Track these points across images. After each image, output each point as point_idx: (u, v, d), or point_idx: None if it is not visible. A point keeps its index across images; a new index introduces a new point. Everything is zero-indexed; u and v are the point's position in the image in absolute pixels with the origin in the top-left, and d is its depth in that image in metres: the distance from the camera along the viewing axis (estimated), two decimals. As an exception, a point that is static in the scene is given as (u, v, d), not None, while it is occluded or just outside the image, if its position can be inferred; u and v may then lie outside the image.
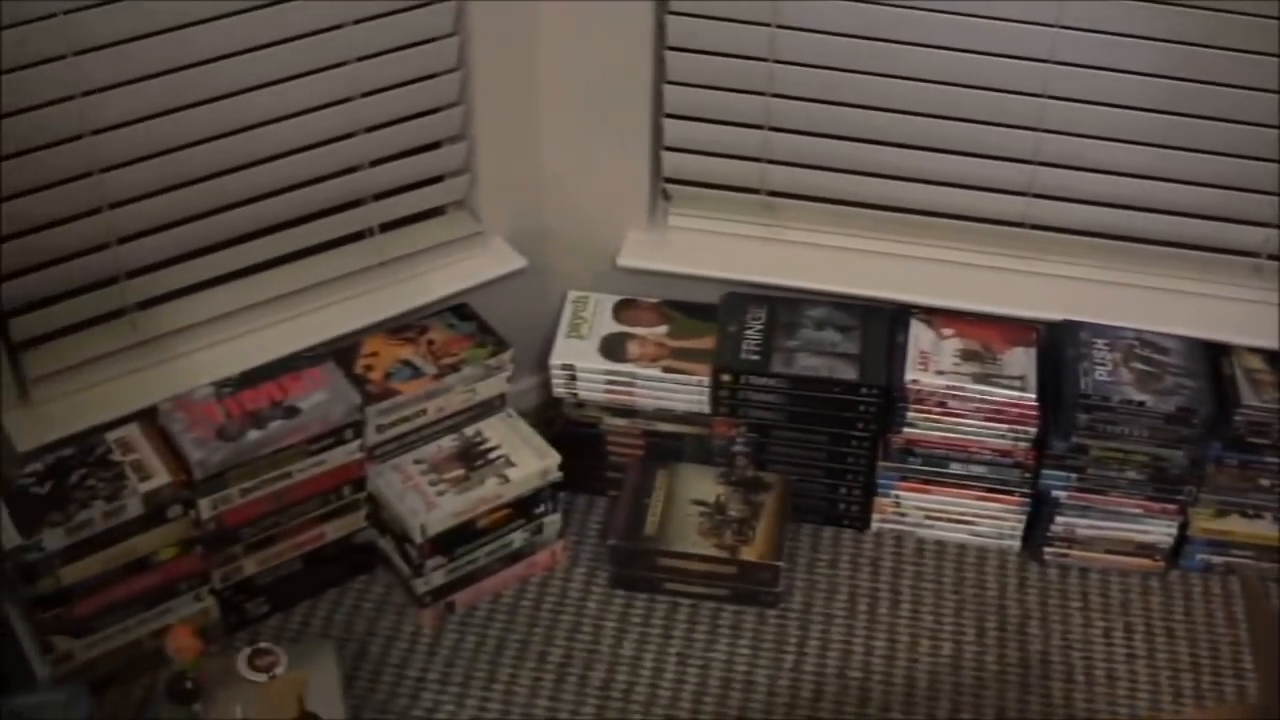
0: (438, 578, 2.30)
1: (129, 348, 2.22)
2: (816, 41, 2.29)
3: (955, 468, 2.42)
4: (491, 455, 2.34)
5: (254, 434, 2.15)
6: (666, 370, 2.42)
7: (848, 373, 2.37)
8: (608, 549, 2.39)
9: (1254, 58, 2.20)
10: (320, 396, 2.21)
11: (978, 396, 2.34)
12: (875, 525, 2.52)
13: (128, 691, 2.22)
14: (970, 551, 2.49)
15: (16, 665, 2.15)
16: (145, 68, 2.03)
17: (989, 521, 2.47)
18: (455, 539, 2.28)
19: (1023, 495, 2.43)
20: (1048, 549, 2.46)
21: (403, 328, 2.39)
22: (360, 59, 2.20)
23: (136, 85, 2.03)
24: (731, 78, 2.36)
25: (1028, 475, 2.41)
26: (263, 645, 2.13)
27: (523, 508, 2.34)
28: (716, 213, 2.52)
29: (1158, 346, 2.37)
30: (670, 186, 2.52)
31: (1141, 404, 2.29)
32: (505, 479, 2.30)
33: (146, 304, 2.24)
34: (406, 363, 2.33)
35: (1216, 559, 2.46)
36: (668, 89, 2.38)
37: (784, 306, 2.49)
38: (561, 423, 2.51)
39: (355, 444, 2.25)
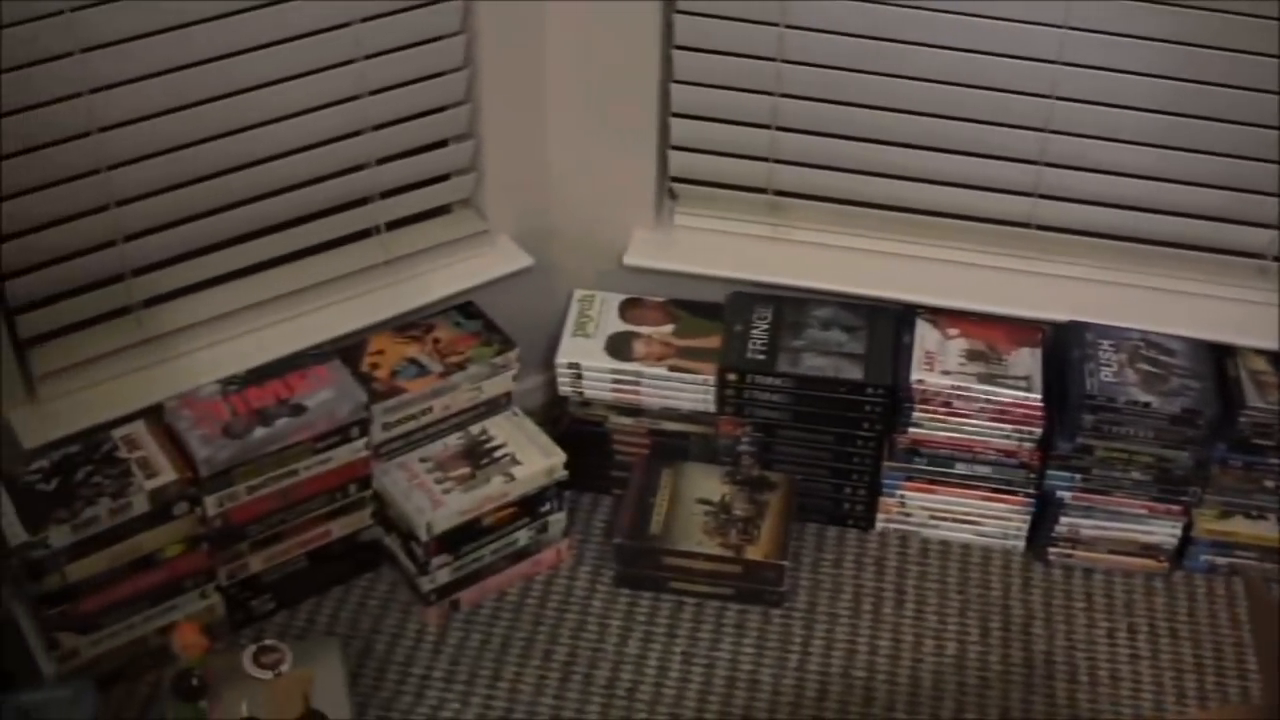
0: (443, 576, 2.31)
1: (135, 345, 2.22)
2: (824, 41, 2.29)
3: (960, 468, 2.43)
4: (497, 453, 2.34)
5: (260, 431, 2.15)
6: (672, 369, 2.42)
7: (853, 373, 2.37)
8: (613, 547, 2.39)
9: (1260, 59, 2.20)
10: (326, 394, 2.21)
11: (983, 397, 2.35)
12: (880, 525, 2.52)
13: (133, 688, 2.22)
14: (975, 551, 2.50)
15: (22, 662, 2.15)
16: (152, 65, 2.03)
17: (994, 521, 2.48)
18: (461, 537, 2.29)
19: (1027, 495, 2.44)
20: (1052, 549, 2.46)
21: (409, 326, 2.39)
22: (367, 57, 2.20)
23: (143, 83, 2.03)
24: (739, 77, 2.36)
25: (1032, 476, 2.42)
26: (268, 643, 2.14)
27: (528, 506, 2.34)
28: (723, 212, 2.52)
29: (1163, 348, 2.38)
30: (677, 185, 2.52)
31: (1147, 405, 2.29)
32: (511, 477, 2.30)
33: (153, 301, 2.24)
34: (412, 361, 2.33)
35: (1220, 560, 2.46)
36: (675, 88, 2.38)
37: (790, 306, 2.49)
38: (567, 421, 2.51)
39: (361, 442, 2.25)
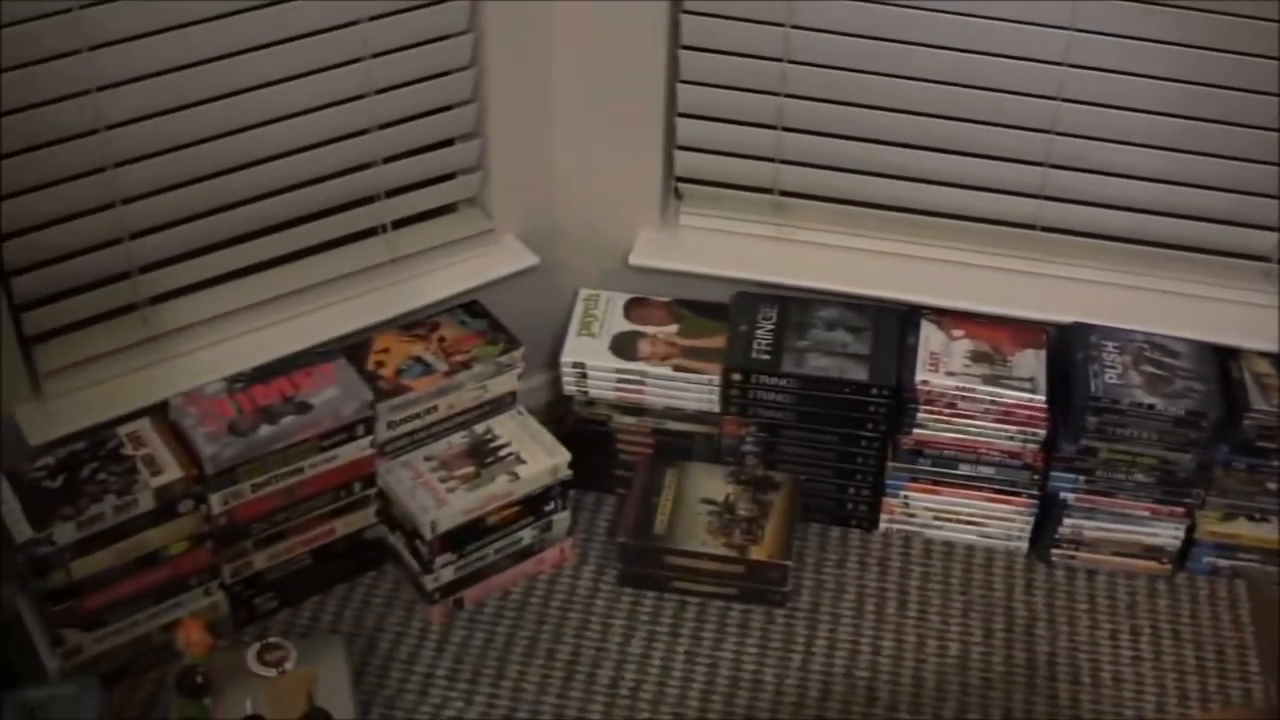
0: (447, 574, 2.31)
1: (141, 343, 2.22)
2: (831, 42, 2.29)
3: (964, 469, 2.43)
4: (502, 452, 2.34)
5: (265, 429, 2.15)
6: (677, 369, 2.43)
7: (858, 373, 2.37)
8: (617, 547, 2.40)
9: (1266, 63, 2.20)
10: (332, 392, 2.21)
11: (987, 398, 2.35)
12: (883, 525, 2.53)
13: (136, 685, 2.22)
14: (978, 552, 2.50)
15: (26, 658, 2.16)
16: (159, 63, 2.03)
17: (997, 523, 2.48)
18: (465, 536, 2.29)
19: (1031, 497, 2.44)
20: (1055, 551, 2.46)
21: (414, 324, 2.39)
22: (374, 56, 2.20)
23: (150, 80, 2.03)
24: (745, 77, 2.36)
25: (1036, 477, 2.42)
26: (272, 640, 2.14)
27: (532, 505, 2.35)
28: (728, 212, 2.53)
29: (1167, 350, 2.38)
30: (682, 185, 2.53)
31: (1151, 407, 2.29)
32: (515, 476, 2.30)
33: (158, 299, 2.24)
34: (418, 359, 2.33)
35: (1223, 562, 2.46)
36: (681, 88, 2.38)
37: (795, 306, 2.49)
38: (571, 420, 2.51)
39: (366, 440, 2.25)
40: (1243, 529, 2.42)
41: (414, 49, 2.24)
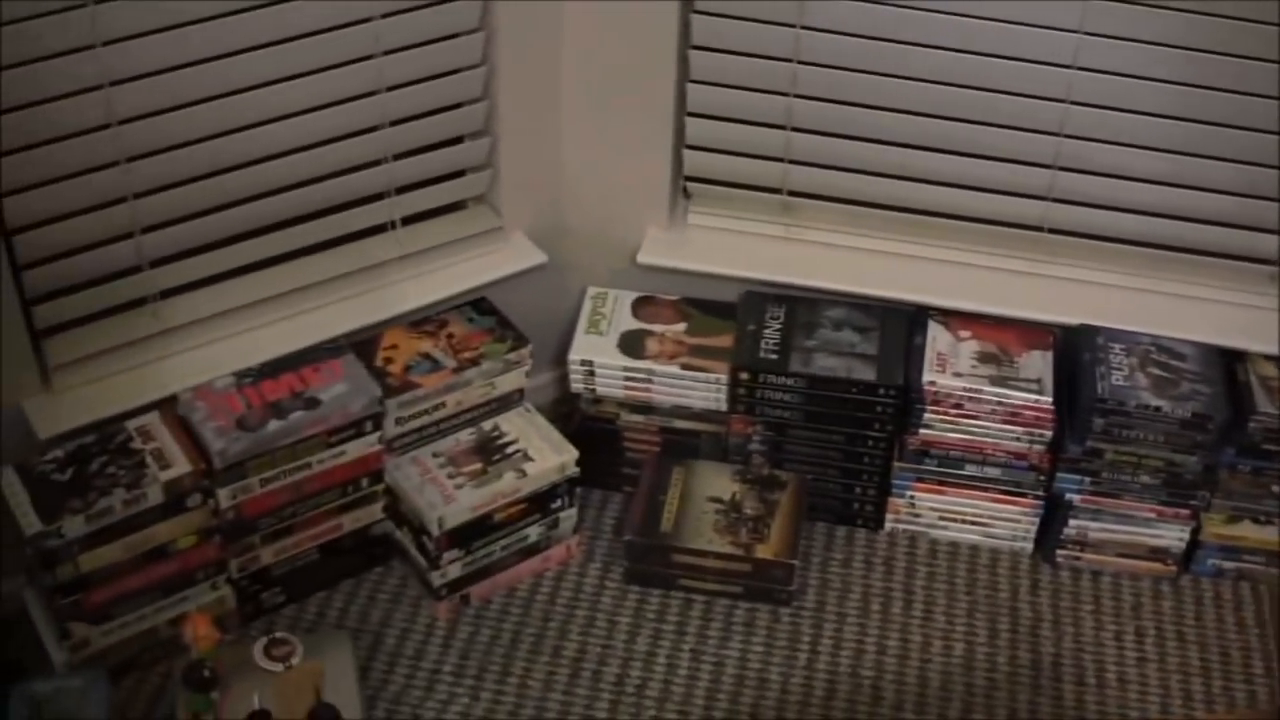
0: (454, 570, 2.31)
1: (150, 337, 2.23)
2: (841, 43, 2.30)
3: (970, 469, 2.43)
4: (509, 449, 2.35)
5: (274, 424, 2.15)
6: (684, 368, 2.43)
7: (865, 373, 2.38)
8: (623, 544, 2.40)
9: (1274, 67, 2.20)
10: (340, 388, 2.22)
11: (994, 399, 2.35)
12: (889, 525, 2.53)
13: (143, 679, 2.23)
14: (983, 553, 2.50)
15: (33, 651, 2.16)
16: (172, 59, 2.03)
17: (1002, 523, 2.48)
18: (472, 532, 2.29)
19: (1036, 498, 2.44)
20: (1060, 552, 2.47)
21: (422, 321, 2.39)
22: (386, 53, 2.21)
23: (163, 76, 2.04)
24: (755, 78, 2.37)
25: (1042, 478, 2.42)
26: (279, 635, 2.14)
27: (539, 502, 2.35)
28: (737, 212, 2.53)
29: (1174, 352, 2.38)
30: (691, 185, 2.53)
31: (1157, 409, 2.30)
32: (523, 473, 2.31)
33: (168, 294, 2.24)
34: (426, 356, 2.34)
35: (1228, 564, 2.47)
36: (691, 88, 2.39)
37: (803, 306, 2.50)
38: (578, 418, 2.51)
39: (374, 436, 2.26)
40: (1247, 531, 2.43)
41: (425, 46, 2.24)
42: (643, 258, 2.50)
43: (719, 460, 2.51)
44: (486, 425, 2.39)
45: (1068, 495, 2.41)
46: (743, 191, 2.51)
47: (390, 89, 2.25)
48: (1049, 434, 2.37)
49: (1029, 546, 2.50)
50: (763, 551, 2.35)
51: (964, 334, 2.44)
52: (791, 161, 2.45)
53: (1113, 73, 2.26)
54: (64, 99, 1.98)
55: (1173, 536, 2.43)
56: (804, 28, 2.30)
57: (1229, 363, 2.39)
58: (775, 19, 2.30)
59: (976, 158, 2.39)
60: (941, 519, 2.50)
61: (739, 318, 2.49)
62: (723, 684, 2.27)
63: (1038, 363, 2.40)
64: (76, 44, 1.95)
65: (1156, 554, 2.45)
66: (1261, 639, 2.37)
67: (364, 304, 2.36)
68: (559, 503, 2.38)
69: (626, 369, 2.44)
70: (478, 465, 2.32)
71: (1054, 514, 2.44)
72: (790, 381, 2.40)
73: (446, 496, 2.27)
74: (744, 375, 2.41)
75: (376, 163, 2.31)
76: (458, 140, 2.40)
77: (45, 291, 2.12)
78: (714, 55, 2.35)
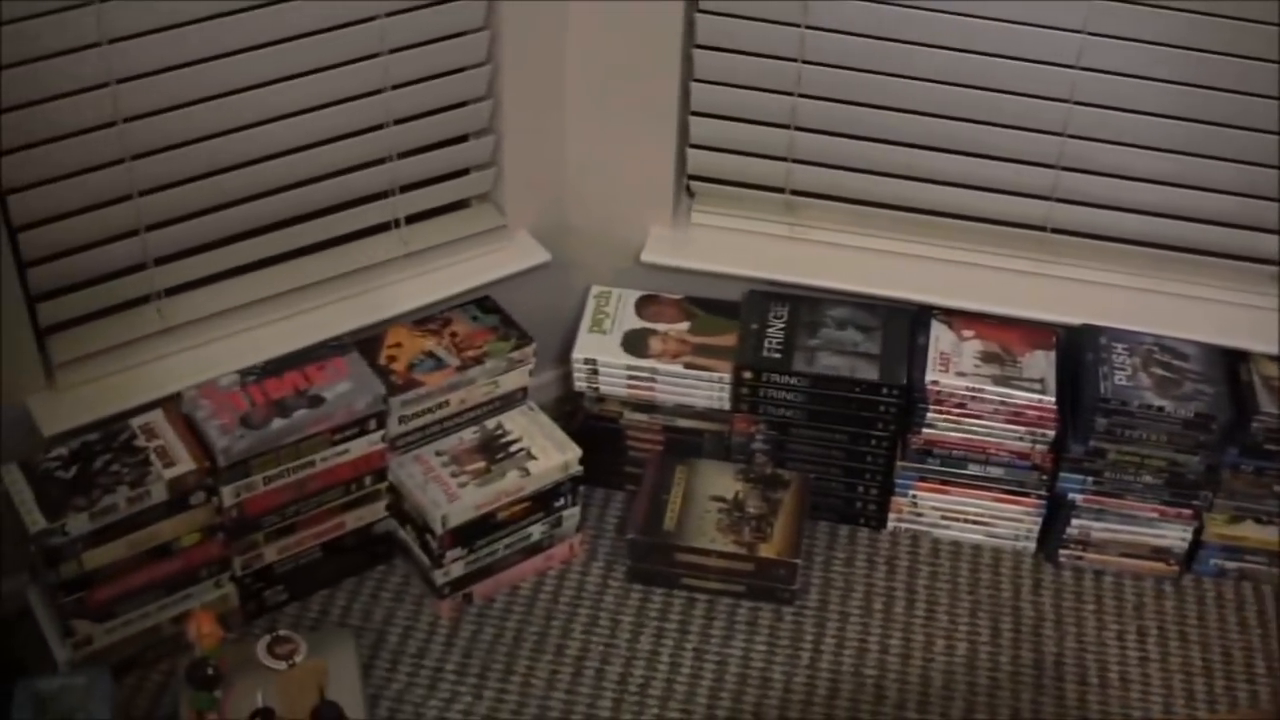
0: (457, 569, 2.31)
1: (155, 334, 2.23)
2: (845, 43, 2.30)
3: (973, 469, 2.44)
4: (513, 448, 2.35)
5: (278, 422, 2.15)
6: (688, 366, 2.43)
7: (869, 372, 2.38)
8: (626, 543, 2.40)
9: (1277, 66, 2.20)
10: (344, 386, 2.22)
11: (997, 398, 2.35)
12: (891, 524, 2.53)
13: (146, 677, 2.23)
14: (985, 552, 2.51)
15: (36, 649, 2.16)
16: (177, 57, 2.03)
17: (1005, 523, 2.49)
18: (475, 531, 2.29)
19: (1039, 497, 2.45)
20: (1063, 551, 2.47)
21: (426, 319, 2.40)
22: (391, 51, 2.21)
23: (168, 74, 2.04)
24: (760, 77, 2.37)
25: (1044, 478, 2.43)
26: (282, 633, 2.14)
27: (542, 501, 2.35)
28: (740, 211, 2.53)
29: (1177, 352, 2.39)
30: (695, 184, 2.53)
31: (1160, 409, 2.30)
32: (526, 472, 2.31)
33: (173, 291, 2.24)
34: (430, 354, 2.34)
35: (1230, 564, 2.47)
36: (695, 87, 2.39)
37: (806, 305, 2.50)
38: (581, 417, 2.52)
39: (378, 434, 2.26)
40: (1249, 531, 2.43)
41: (430, 45, 2.25)
42: (646, 257, 2.50)
43: (722, 459, 2.51)
44: (490, 424, 2.40)
45: (1070, 495, 2.41)
46: (747, 191, 2.52)
47: (395, 87, 2.25)
48: (1052, 434, 2.37)
49: (1031, 546, 2.50)
50: (766, 550, 2.35)
51: (967, 333, 2.44)
52: (795, 161, 2.45)
53: (1116, 73, 2.27)
54: (69, 97, 1.98)
55: (1175, 536, 2.43)
56: (808, 27, 2.30)
57: (1232, 363, 2.39)
58: (780, 18, 2.30)
59: (980, 157, 2.40)
60: (944, 518, 2.50)
61: (742, 317, 2.49)
62: (726, 683, 2.27)
63: (1041, 362, 2.40)
64: (82, 42, 1.95)
65: (1159, 554, 2.45)
66: (1263, 639, 2.38)
67: (368, 302, 2.36)
68: (562, 501, 2.38)
69: (630, 368, 2.44)
70: (481, 464, 2.32)
71: (1056, 514, 2.45)
72: (793, 381, 2.40)
73: (450, 495, 2.27)
74: (747, 374, 2.41)
75: (381, 161, 2.31)
76: (462, 139, 2.40)
77: (50, 289, 2.12)
78: (718, 54, 2.36)
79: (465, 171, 2.44)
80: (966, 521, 2.50)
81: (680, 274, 2.52)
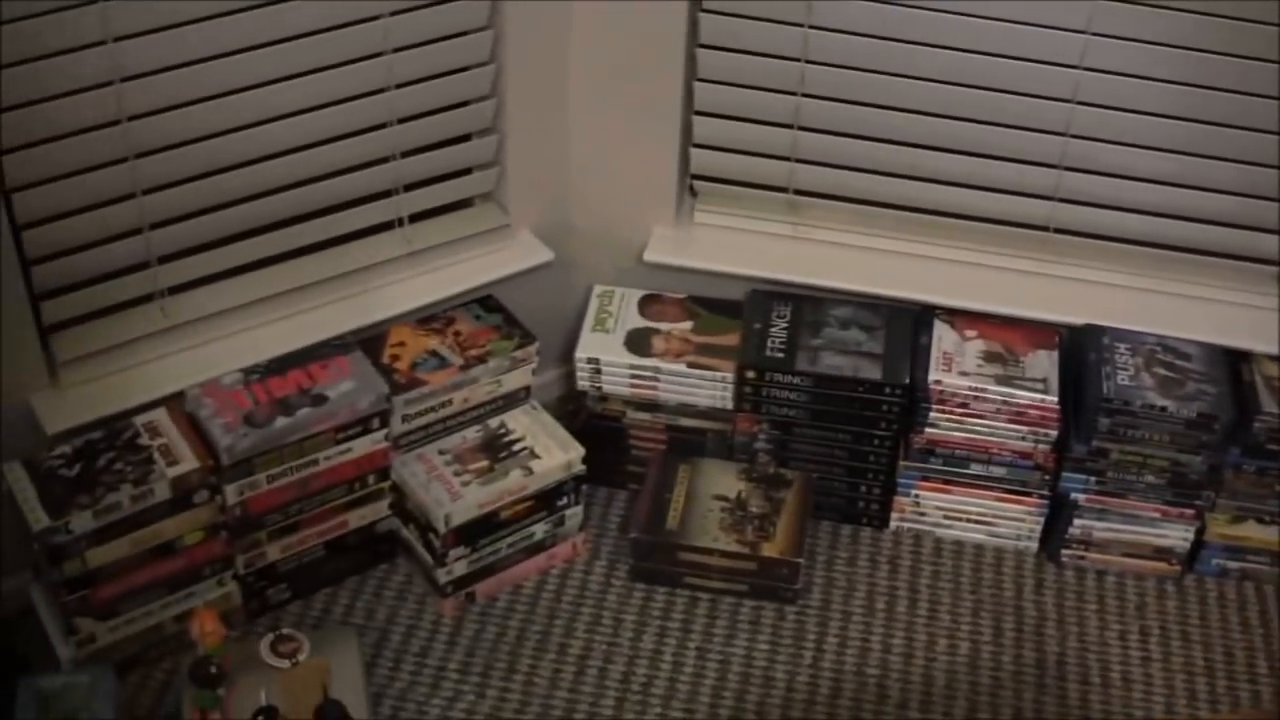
0: (460, 568, 2.31)
1: (158, 332, 2.23)
2: (849, 43, 2.30)
3: (975, 468, 2.44)
4: (516, 447, 2.35)
5: (282, 421, 2.15)
6: (691, 366, 2.43)
7: (871, 372, 2.38)
8: (629, 542, 2.40)
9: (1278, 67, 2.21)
10: (348, 385, 2.22)
11: (1000, 398, 2.36)
12: (894, 524, 2.53)
13: (148, 675, 2.23)
14: (988, 552, 2.51)
15: (40, 647, 2.16)
16: (182, 55, 2.04)
17: (1007, 522, 2.49)
18: (478, 529, 2.29)
19: (1041, 497, 2.45)
20: (1065, 551, 2.47)
21: (429, 318, 2.40)
22: (395, 50, 2.21)
23: (173, 73, 2.04)
24: (763, 77, 2.37)
25: (1047, 477, 2.43)
26: (286, 631, 2.14)
27: (545, 500, 2.35)
28: (743, 210, 2.54)
29: (1179, 352, 2.39)
30: (698, 183, 2.53)
31: (1163, 409, 2.30)
32: (529, 471, 2.31)
33: (176, 290, 2.24)
34: (433, 353, 2.34)
35: (1232, 564, 2.47)
36: (698, 86, 2.39)
37: (809, 305, 2.50)
38: (584, 416, 2.52)
39: (381, 433, 2.26)
40: (1251, 531, 2.43)
41: (433, 44, 2.25)
42: (649, 256, 2.51)
43: (725, 458, 2.51)
44: (493, 423, 2.40)
45: (1073, 495, 2.42)
46: (750, 190, 2.52)
47: (398, 86, 2.25)
48: (1054, 433, 2.37)
49: (1034, 546, 2.50)
50: (768, 550, 2.35)
51: (970, 333, 2.44)
52: (798, 160, 2.45)
53: (1120, 73, 2.27)
54: (73, 95, 1.98)
55: (1177, 536, 2.44)
56: (812, 27, 2.30)
57: (1234, 363, 2.39)
58: (783, 18, 2.30)
59: (983, 157, 2.40)
60: (947, 518, 2.51)
61: (745, 316, 2.49)
62: (728, 682, 2.27)
63: (1043, 362, 2.40)
64: (87, 40, 1.95)
65: (1161, 554, 2.46)
66: (1265, 639, 2.38)
67: (371, 301, 2.36)
68: (565, 500, 2.38)
69: (633, 367, 2.44)
70: (484, 462, 2.32)
71: (1059, 513, 2.45)
72: (796, 380, 2.40)
73: (453, 494, 2.27)
74: (750, 374, 2.41)
75: (384, 160, 2.32)
76: (465, 138, 2.40)
77: (53, 287, 2.12)
78: (722, 54, 2.36)
79: (468, 171, 2.44)
80: (969, 521, 2.50)
81: (683, 273, 2.52)
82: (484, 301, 2.44)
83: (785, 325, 2.46)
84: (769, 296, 2.52)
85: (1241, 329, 2.41)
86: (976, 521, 2.50)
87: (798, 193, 2.50)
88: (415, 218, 2.41)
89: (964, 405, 2.37)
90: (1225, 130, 2.29)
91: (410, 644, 2.30)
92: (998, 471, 2.43)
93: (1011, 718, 2.24)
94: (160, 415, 2.17)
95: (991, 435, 2.40)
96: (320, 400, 2.19)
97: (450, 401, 2.34)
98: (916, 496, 2.49)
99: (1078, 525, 2.44)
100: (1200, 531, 2.44)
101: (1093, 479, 2.40)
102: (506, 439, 2.37)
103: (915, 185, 2.44)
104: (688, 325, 2.50)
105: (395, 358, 2.32)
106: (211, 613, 2.04)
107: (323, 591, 2.37)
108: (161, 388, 2.20)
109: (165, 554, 2.15)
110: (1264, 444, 2.33)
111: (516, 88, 2.34)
